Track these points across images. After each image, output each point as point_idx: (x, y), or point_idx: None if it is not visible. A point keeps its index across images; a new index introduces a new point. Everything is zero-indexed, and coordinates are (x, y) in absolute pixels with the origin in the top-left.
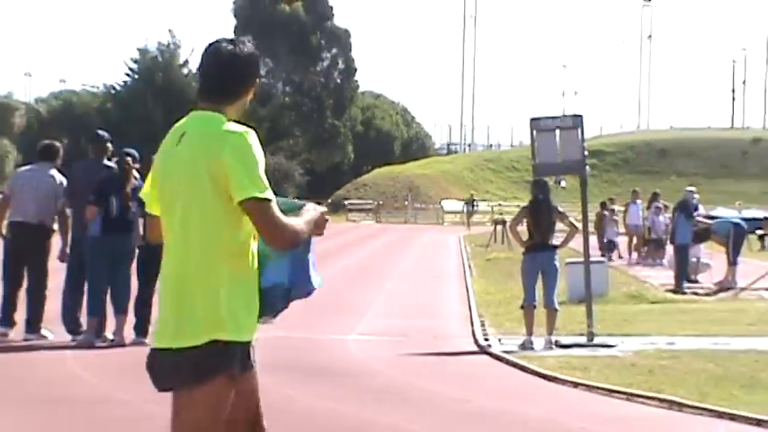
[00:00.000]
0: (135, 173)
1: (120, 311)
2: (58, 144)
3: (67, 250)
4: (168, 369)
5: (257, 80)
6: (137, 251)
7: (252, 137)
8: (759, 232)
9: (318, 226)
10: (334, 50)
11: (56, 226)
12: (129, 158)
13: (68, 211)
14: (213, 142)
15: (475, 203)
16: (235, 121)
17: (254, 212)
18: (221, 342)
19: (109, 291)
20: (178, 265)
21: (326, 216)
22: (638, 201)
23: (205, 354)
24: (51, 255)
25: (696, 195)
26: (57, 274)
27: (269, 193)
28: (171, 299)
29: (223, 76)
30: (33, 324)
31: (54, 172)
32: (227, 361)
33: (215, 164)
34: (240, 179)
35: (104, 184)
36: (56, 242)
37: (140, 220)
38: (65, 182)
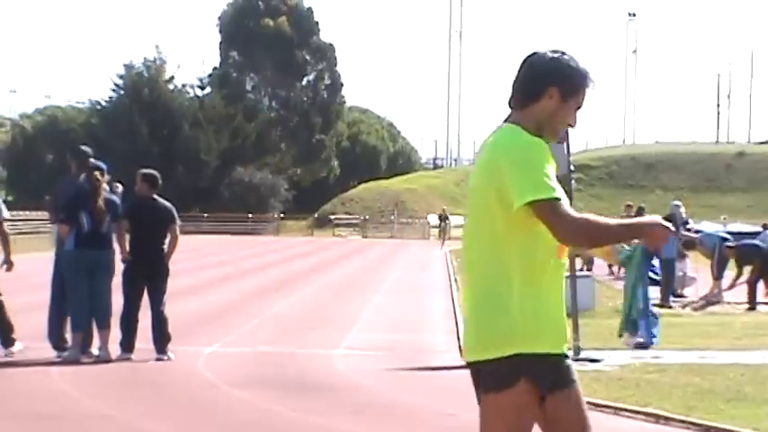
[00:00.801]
0: (106, 185)
1: (103, 327)
2: None
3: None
4: (475, 381)
5: (558, 90)
6: (124, 266)
7: (536, 146)
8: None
9: (653, 236)
10: (319, 65)
11: None
12: (97, 172)
13: (54, 226)
14: (497, 153)
15: (447, 219)
16: (530, 130)
17: (538, 212)
18: (517, 355)
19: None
20: (473, 278)
21: (666, 228)
22: (632, 215)
23: (504, 365)
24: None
25: (683, 209)
26: (43, 289)
27: (555, 193)
28: (469, 312)
29: (517, 82)
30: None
31: None
32: (525, 371)
33: (496, 175)
34: (519, 185)
35: (73, 200)
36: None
37: (126, 236)
38: None
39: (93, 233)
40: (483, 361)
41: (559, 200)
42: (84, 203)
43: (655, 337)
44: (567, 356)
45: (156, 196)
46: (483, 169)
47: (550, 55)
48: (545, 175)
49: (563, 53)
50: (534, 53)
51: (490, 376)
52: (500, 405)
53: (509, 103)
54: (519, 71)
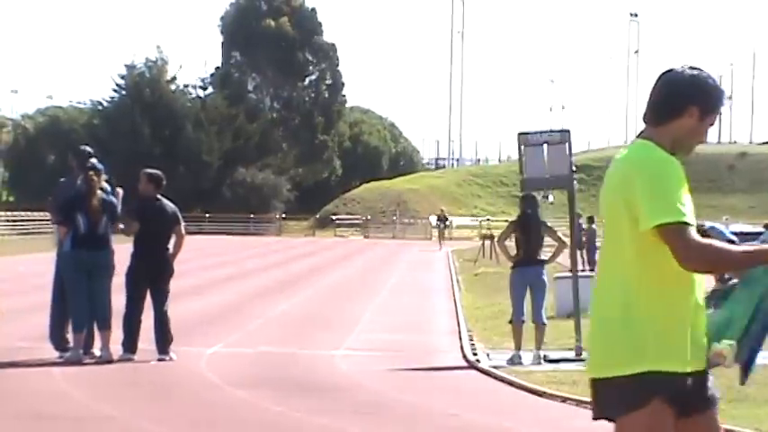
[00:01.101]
0: (105, 184)
1: (104, 327)
2: None
3: None
4: (601, 399)
5: (698, 109)
6: (127, 266)
7: (670, 165)
8: None
9: None
10: (321, 65)
11: None
12: (91, 172)
13: (56, 227)
14: (630, 168)
15: (447, 220)
16: (665, 147)
17: (663, 235)
18: (648, 373)
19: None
20: (601, 292)
21: None
22: None
23: (632, 382)
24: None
25: None
26: (45, 290)
27: (683, 217)
28: (595, 327)
29: (654, 99)
30: None
31: None
32: (657, 390)
33: (629, 189)
34: (650, 206)
35: (69, 201)
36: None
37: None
38: None
39: (90, 234)
40: (609, 378)
41: (687, 224)
42: (80, 204)
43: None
44: (706, 375)
45: (160, 197)
46: (615, 184)
47: (689, 72)
48: (676, 198)
49: (701, 70)
50: (671, 70)
51: (617, 395)
52: (631, 427)
53: (643, 119)
54: (655, 87)
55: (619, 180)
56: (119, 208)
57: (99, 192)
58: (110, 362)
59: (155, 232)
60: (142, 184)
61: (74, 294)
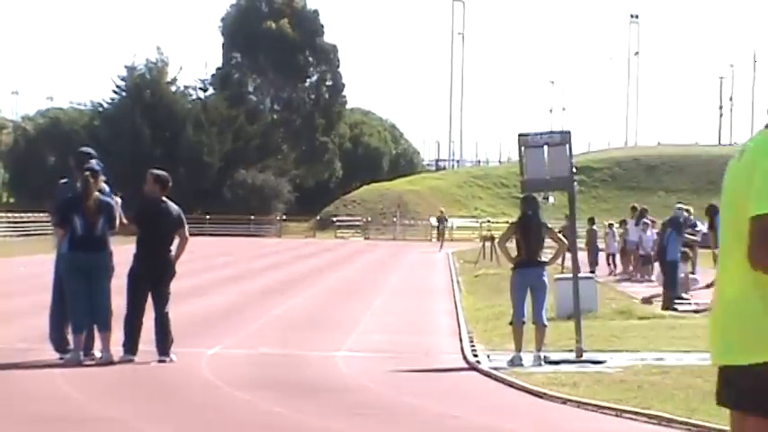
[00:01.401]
0: (104, 185)
1: (104, 329)
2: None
3: None
4: (723, 385)
5: None
6: (129, 268)
7: None
8: None
9: None
10: (321, 67)
11: None
12: (87, 173)
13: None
14: (755, 154)
15: (446, 221)
16: None
17: (751, 224)
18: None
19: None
20: (726, 278)
21: None
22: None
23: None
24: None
25: (691, 210)
26: (45, 291)
27: None
28: (721, 312)
29: None
30: None
31: None
32: None
33: (749, 176)
34: (761, 192)
35: (66, 203)
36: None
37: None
38: None
39: (87, 236)
40: (740, 366)
41: None
42: (76, 206)
43: None
44: None
45: (165, 198)
46: (738, 171)
47: None
48: None
49: None
50: None
51: (751, 386)
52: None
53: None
54: None
55: (743, 166)
56: (117, 212)
57: (96, 193)
58: (110, 363)
59: (158, 234)
60: (148, 184)
61: (72, 296)
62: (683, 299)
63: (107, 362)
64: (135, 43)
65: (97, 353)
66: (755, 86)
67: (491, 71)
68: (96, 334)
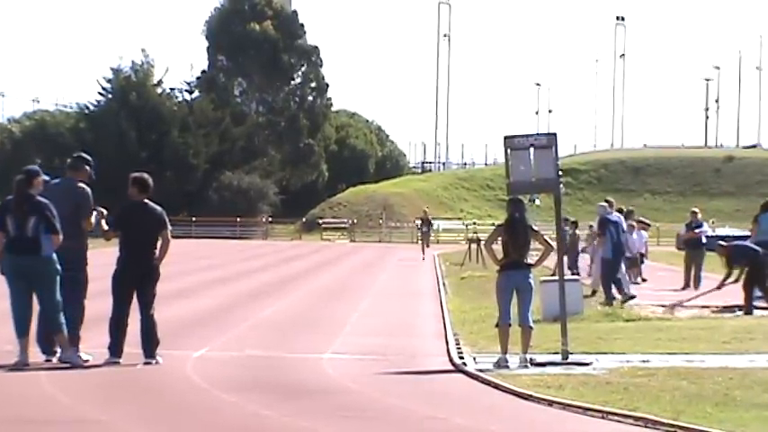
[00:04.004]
0: (39, 187)
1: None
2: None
3: None
4: None
5: None
6: (114, 270)
7: None
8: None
9: None
10: (305, 68)
11: None
12: (20, 176)
13: None
14: None
15: (431, 224)
16: None
17: None
18: None
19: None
20: None
21: None
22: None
23: None
24: None
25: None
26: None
27: None
28: None
29: None
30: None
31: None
32: None
33: None
34: None
35: (2, 207)
36: None
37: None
38: None
39: (18, 238)
40: None
41: None
42: (9, 208)
43: None
44: None
45: (146, 200)
46: None
47: None
48: None
49: None
50: None
51: None
52: None
53: None
54: None
55: None
56: (55, 214)
57: (31, 193)
58: (78, 364)
59: (140, 236)
60: (129, 187)
61: (11, 300)
62: (628, 296)
63: (67, 360)
64: (120, 45)
65: (84, 355)
66: (741, 88)
67: (477, 73)
68: (90, 337)
